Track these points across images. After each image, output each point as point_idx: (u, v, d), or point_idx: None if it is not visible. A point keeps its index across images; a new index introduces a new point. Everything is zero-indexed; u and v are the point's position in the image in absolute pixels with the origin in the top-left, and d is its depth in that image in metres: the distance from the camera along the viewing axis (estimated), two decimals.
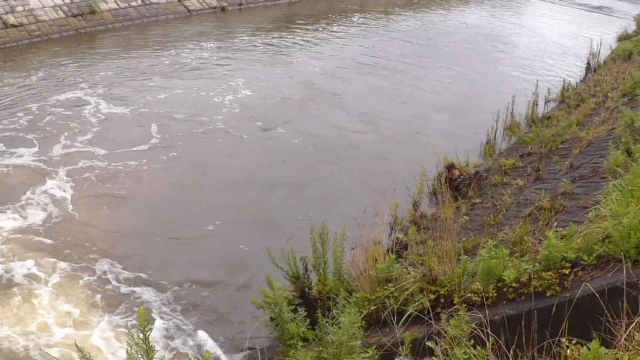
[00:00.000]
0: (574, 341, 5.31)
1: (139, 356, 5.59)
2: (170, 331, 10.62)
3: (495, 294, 8.03)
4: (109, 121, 20.49)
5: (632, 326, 5.04)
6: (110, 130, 19.73)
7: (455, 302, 8.27)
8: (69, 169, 16.80)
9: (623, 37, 37.21)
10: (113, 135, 19.32)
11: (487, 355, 5.56)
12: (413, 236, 12.68)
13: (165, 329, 10.63)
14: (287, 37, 35.21)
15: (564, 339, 5.29)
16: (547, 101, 23.58)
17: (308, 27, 38.07)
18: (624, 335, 4.98)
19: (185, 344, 10.37)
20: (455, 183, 15.62)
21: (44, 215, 14.39)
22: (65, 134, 19.01)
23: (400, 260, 9.82)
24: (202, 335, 10.57)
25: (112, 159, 17.59)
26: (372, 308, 8.79)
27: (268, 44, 33.38)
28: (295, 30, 37.03)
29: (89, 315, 11.03)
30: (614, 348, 5.10)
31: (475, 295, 8.20)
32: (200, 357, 9.56)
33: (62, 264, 12.46)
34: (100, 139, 18.94)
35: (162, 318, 10.91)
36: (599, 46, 29.99)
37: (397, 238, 12.51)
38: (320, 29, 37.99)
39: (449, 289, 8.54)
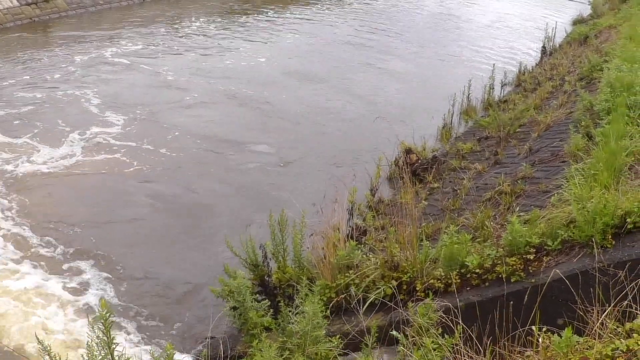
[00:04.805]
0: (544, 329, 5.19)
1: (100, 348, 5.43)
2: (127, 320, 10.38)
3: (458, 280, 7.93)
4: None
5: (604, 314, 4.93)
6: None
7: (418, 288, 8.16)
8: None
9: (578, 21, 37.55)
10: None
11: (455, 344, 5.42)
12: (371, 222, 12.54)
13: (123, 318, 10.40)
14: (262, 19, 36.22)
15: (535, 327, 5.17)
16: (503, 85, 23.67)
17: (281, 9, 39.12)
18: (597, 324, 4.86)
19: (144, 334, 10.11)
20: (413, 168, 15.49)
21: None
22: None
23: (360, 246, 9.65)
24: (161, 325, 10.32)
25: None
26: (334, 296, 8.65)
27: (249, 25, 34.65)
28: (266, 13, 37.82)
29: None
30: (586, 335, 5.00)
31: (438, 281, 8.10)
32: (161, 348, 9.31)
33: None
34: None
35: (119, 307, 10.68)
36: (554, 30, 30.19)
37: (356, 224, 12.35)
38: (295, 11, 39.17)
39: (412, 276, 8.42)
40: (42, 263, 11.83)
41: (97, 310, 10.14)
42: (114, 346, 5.47)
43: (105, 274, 11.64)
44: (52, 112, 19.68)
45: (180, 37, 30.95)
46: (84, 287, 11.22)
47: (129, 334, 10.08)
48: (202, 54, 28.00)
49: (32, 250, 12.25)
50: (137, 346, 9.79)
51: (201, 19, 34.97)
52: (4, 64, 24.65)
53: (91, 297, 10.93)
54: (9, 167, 15.64)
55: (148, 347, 9.62)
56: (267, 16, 36.94)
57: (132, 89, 22.52)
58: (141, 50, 27.75)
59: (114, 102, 20.79)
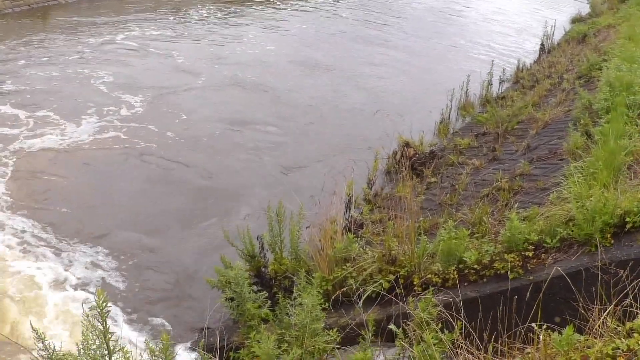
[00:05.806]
0: (544, 326, 5.19)
1: (95, 337, 5.39)
2: (123, 310, 10.34)
3: (456, 276, 7.93)
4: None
5: (605, 313, 4.92)
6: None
7: (415, 283, 8.16)
8: None
9: (577, 19, 37.63)
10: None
11: (455, 340, 5.41)
12: (368, 215, 12.53)
13: (117, 305, 10.35)
14: (269, 7, 36.80)
15: (535, 325, 5.16)
16: (501, 81, 23.67)
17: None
18: (598, 322, 4.86)
19: (139, 324, 10.07)
20: (411, 162, 15.46)
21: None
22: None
23: (357, 239, 9.63)
24: (157, 314, 10.28)
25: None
26: (331, 288, 8.63)
27: (255, 13, 35.19)
28: (273, 2, 38.11)
29: None
30: (587, 334, 4.99)
31: (436, 276, 8.09)
32: (157, 338, 9.28)
33: None
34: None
35: (114, 292, 10.64)
36: (552, 27, 30.20)
37: (353, 217, 12.33)
38: (301, 1, 39.48)
39: (409, 270, 8.41)
40: (38, 244, 11.79)
41: (93, 297, 10.15)
42: (110, 335, 5.43)
43: (101, 257, 11.58)
44: (65, 91, 20.00)
45: (186, 24, 31.28)
46: (77, 271, 11.16)
47: (123, 322, 10.04)
48: (210, 40, 28.28)
49: (27, 231, 12.21)
50: (132, 335, 9.76)
51: (207, 6, 35.12)
52: (17, 46, 24.90)
53: (84, 281, 10.89)
54: (16, 142, 15.82)
55: (143, 336, 9.61)
56: (273, 5, 37.13)
57: (144, 71, 22.89)
58: (150, 36, 28.01)
59: (127, 83, 21.17)
